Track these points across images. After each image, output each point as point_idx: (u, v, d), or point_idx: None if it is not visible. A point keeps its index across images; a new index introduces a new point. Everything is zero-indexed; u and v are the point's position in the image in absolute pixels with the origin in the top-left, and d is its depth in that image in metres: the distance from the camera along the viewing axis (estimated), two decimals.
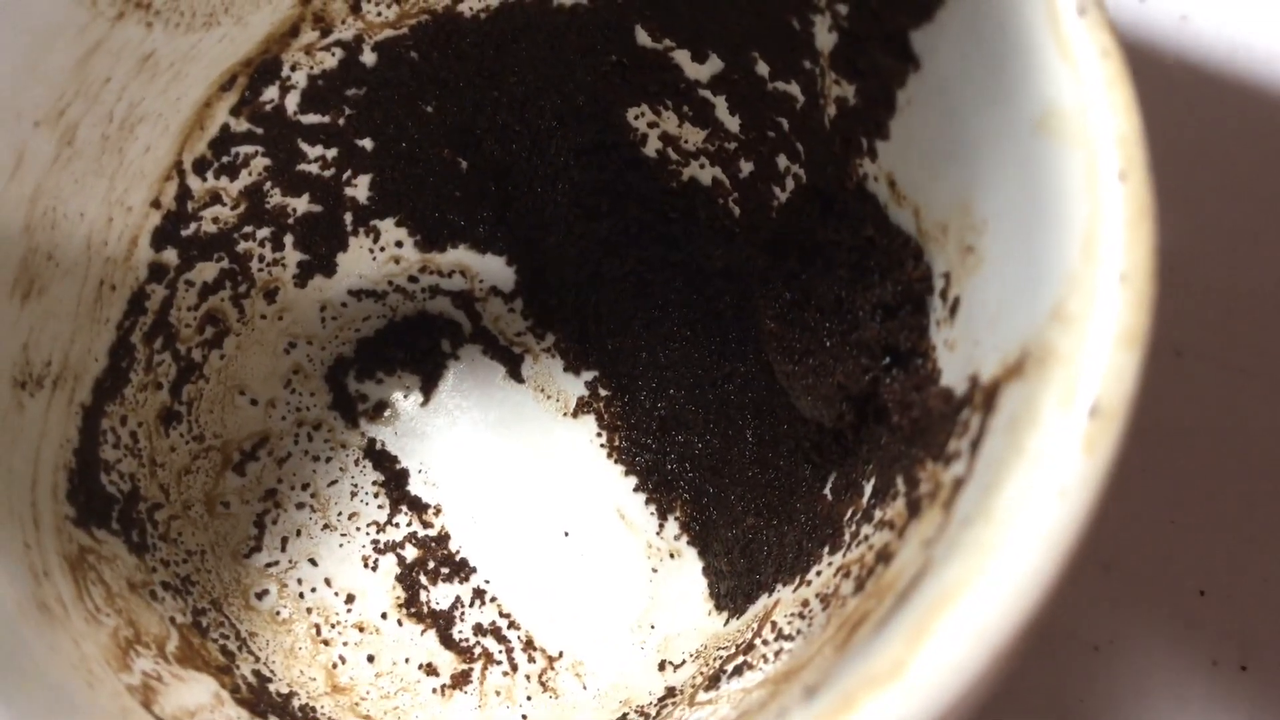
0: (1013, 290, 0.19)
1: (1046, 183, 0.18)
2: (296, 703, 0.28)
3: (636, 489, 0.33)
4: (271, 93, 0.29)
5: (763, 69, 0.26)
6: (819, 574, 0.26)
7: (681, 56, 0.28)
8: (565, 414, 0.34)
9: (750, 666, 0.26)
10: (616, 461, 0.33)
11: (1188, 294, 0.34)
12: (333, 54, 0.29)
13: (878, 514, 0.24)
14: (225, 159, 0.29)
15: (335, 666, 0.30)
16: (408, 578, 0.31)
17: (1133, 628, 0.31)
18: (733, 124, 0.28)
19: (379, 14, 0.28)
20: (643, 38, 0.28)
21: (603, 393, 0.34)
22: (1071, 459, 0.16)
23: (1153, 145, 0.17)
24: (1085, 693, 0.30)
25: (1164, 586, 0.31)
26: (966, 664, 0.15)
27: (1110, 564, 0.31)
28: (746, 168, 0.29)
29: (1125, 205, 0.17)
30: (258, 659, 0.29)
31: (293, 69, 0.28)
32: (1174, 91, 0.36)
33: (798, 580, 0.27)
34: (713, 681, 0.27)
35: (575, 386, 0.34)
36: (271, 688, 0.28)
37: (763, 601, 0.28)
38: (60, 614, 0.23)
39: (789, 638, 0.25)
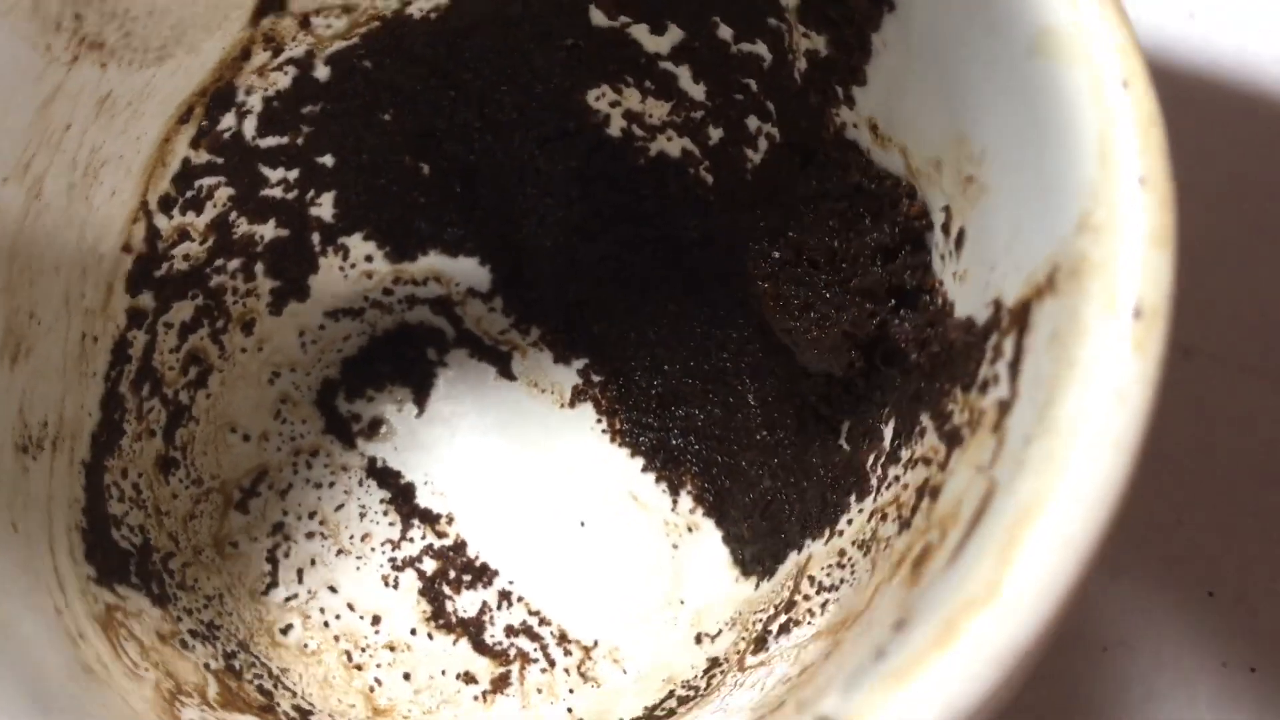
0: (1028, 211, 0.19)
1: (1050, 102, 0.18)
2: None
3: (645, 469, 0.33)
4: (229, 120, 0.28)
5: (725, 33, 0.26)
6: (850, 522, 0.26)
7: (639, 31, 0.28)
8: (562, 405, 0.33)
9: (796, 623, 0.26)
10: (620, 445, 0.33)
11: (1197, 294, 0.34)
12: (285, 72, 0.28)
13: (904, 453, 0.24)
14: (189, 193, 0.28)
15: (373, 690, 0.29)
16: (431, 590, 0.31)
17: (1141, 629, 0.30)
18: (697, 92, 0.28)
19: (328, 26, 0.28)
20: (598, 18, 0.28)
21: (596, 378, 0.34)
22: (1124, 362, 0.16)
23: None
24: (1093, 694, 0.30)
25: (1173, 587, 0.31)
26: (1059, 575, 0.15)
27: (1118, 565, 0.31)
28: (715, 134, 0.29)
29: (1134, 111, 0.17)
30: (294, 694, 0.28)
31: (247, 93, 0.28)
32: (1181, 89, 0.36)
33: (828, 533, 0.27)
34: (759, 644, 0.27)
35: (568, 376, 0.34)
36: None
37: (793, 559, 0.28)
38: (103, 674, 0.22)
39: (832, 588, 0.26)
